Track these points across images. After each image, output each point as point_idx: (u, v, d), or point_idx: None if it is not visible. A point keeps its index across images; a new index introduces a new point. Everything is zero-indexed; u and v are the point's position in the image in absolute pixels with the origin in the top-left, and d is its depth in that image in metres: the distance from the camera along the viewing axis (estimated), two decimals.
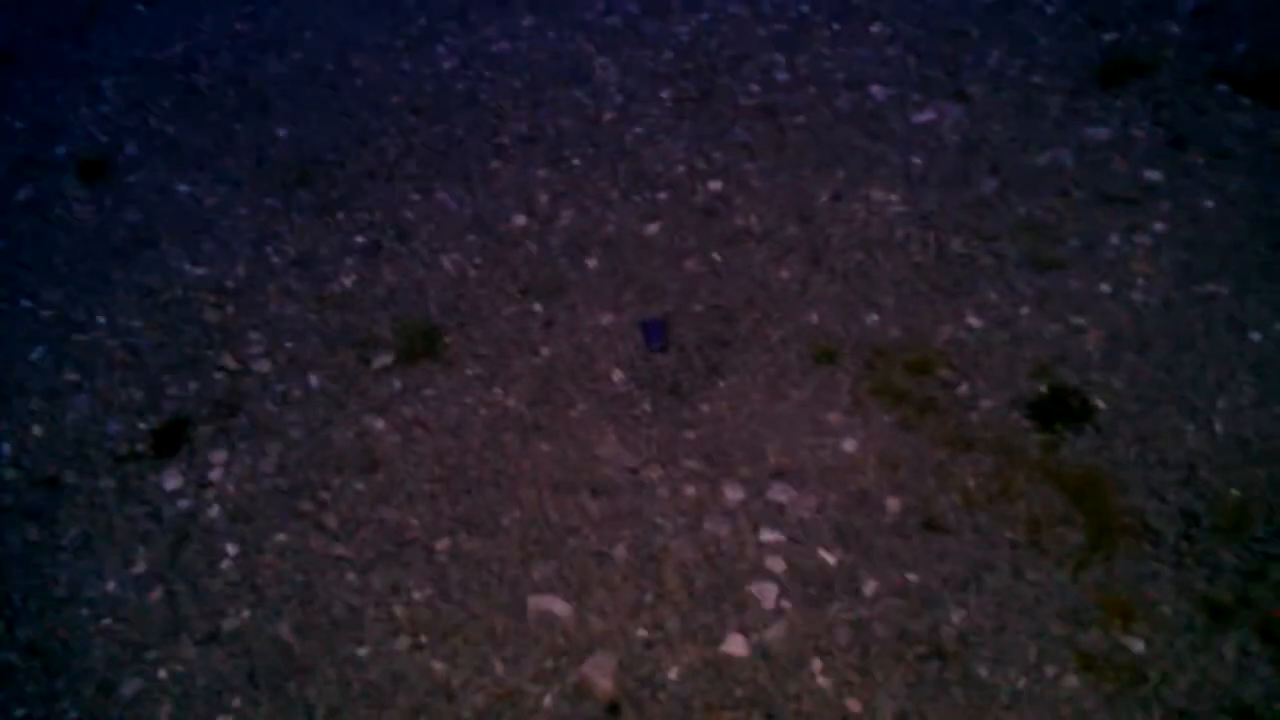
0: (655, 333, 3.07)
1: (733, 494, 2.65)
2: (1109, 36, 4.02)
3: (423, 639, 2.47)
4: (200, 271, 3.61)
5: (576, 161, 3.87)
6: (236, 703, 2.40)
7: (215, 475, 2.89)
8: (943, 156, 3.57)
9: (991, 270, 3.12)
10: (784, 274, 3.23)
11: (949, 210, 3.34)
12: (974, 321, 2.98)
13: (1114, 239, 3.17)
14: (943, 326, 2.98)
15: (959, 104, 3.80)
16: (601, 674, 2.36)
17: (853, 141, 3.71)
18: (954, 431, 2.71)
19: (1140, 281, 3.04)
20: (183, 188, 4.06)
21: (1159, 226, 3.19)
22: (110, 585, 2.70)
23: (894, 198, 3.43)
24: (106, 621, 2.60)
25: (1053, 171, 3.44)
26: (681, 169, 3.74)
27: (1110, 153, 3.48)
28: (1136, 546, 2.46)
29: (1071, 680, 2.26)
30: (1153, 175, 3.36)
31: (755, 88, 4.10)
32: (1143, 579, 2.42)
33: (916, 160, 3.57)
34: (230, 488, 2.85)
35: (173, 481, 2.89)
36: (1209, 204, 3.22)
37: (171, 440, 3.00)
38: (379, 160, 4.05)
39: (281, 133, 4.30)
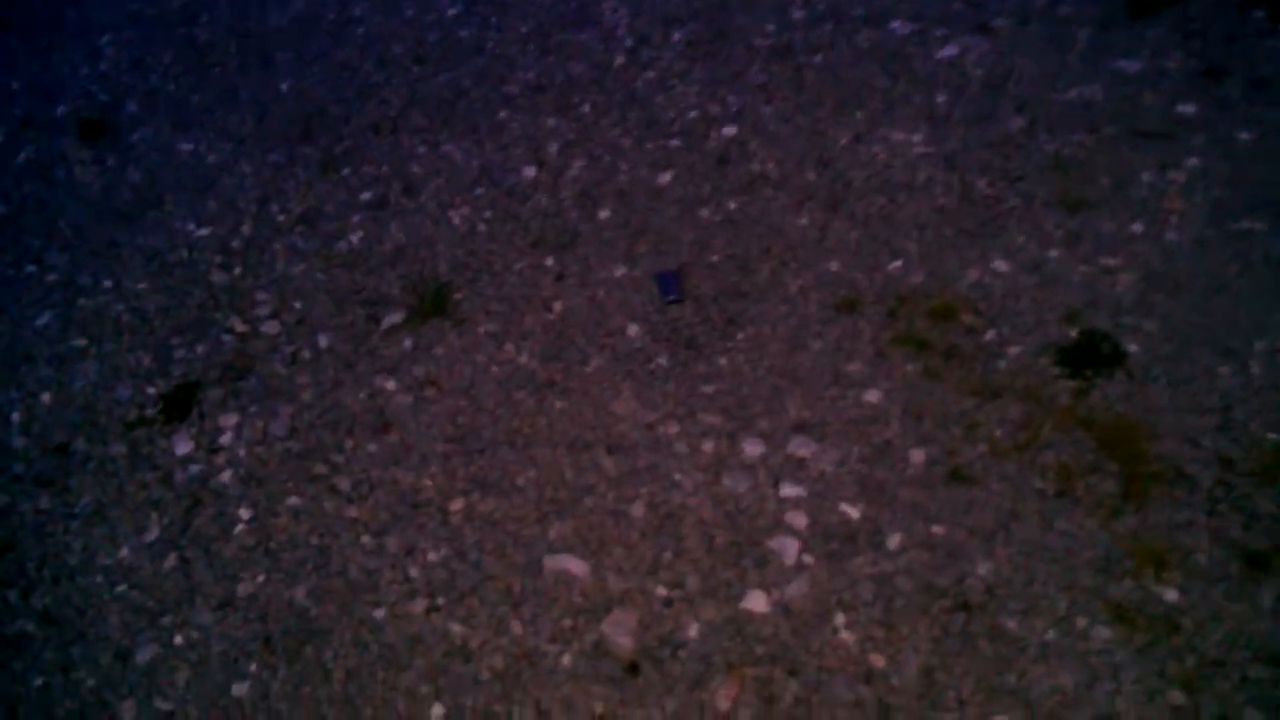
0: (670, 285, 2.99)
1: (752, 449, 2.58)
2: None
3: (439, 601, 2.43)
4: (205, 232, 3.54)
5: (586, 109, 3.76)
6: (253, 668, 2.37)
7: (226, 439, 2.84)
8: (967, 94, 3.44)
9: (1019, 212, 3.01)
10: (802, 221, 3.13)
11: (974, 150, 3.23)
12: (1001, 265, 2.87)
13: (1146, 176, 3.04)
14: (968, 271, 2.88)
15: (984, 38, 3.66)
16: (621, 633, 2.31)
17: (873, 81, 3.58)
18: (980, 380, 2.63)
19: (1173, 220, 2.92)
20: (185, 145, 3.98)
21: (1193, 162, 3.06)
22: (124, 552, 2.67)
23: (916, 139, 3.31)
24: (121, 589, 2.57)
25: (1082, 107, 3.30)
26: (695, 115, 3.62)
27: (1141, 86, 3.34)
28: (1170, 494, 2.38)
29: (1103, 631, 2.20)
30: (1186, 109, 3.22)
31: (770, 27, 3.96)
32: (1177, 527, 2.34)
33: (940, 99, 3.44)
34: (241, 452, 2.81)
35: (184, 446, 2.85)
36: (1245, 137, 3.09)
37: (181, 405, 2.95)
38: (384, 113, 3.95)
39: (284, 87, 4.20)
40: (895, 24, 3.83)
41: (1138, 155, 3.12)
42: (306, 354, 3.04)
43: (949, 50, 3.65)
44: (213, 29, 4.64)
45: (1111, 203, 3.00)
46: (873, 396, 2.64)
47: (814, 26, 3.91)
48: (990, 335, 2.72)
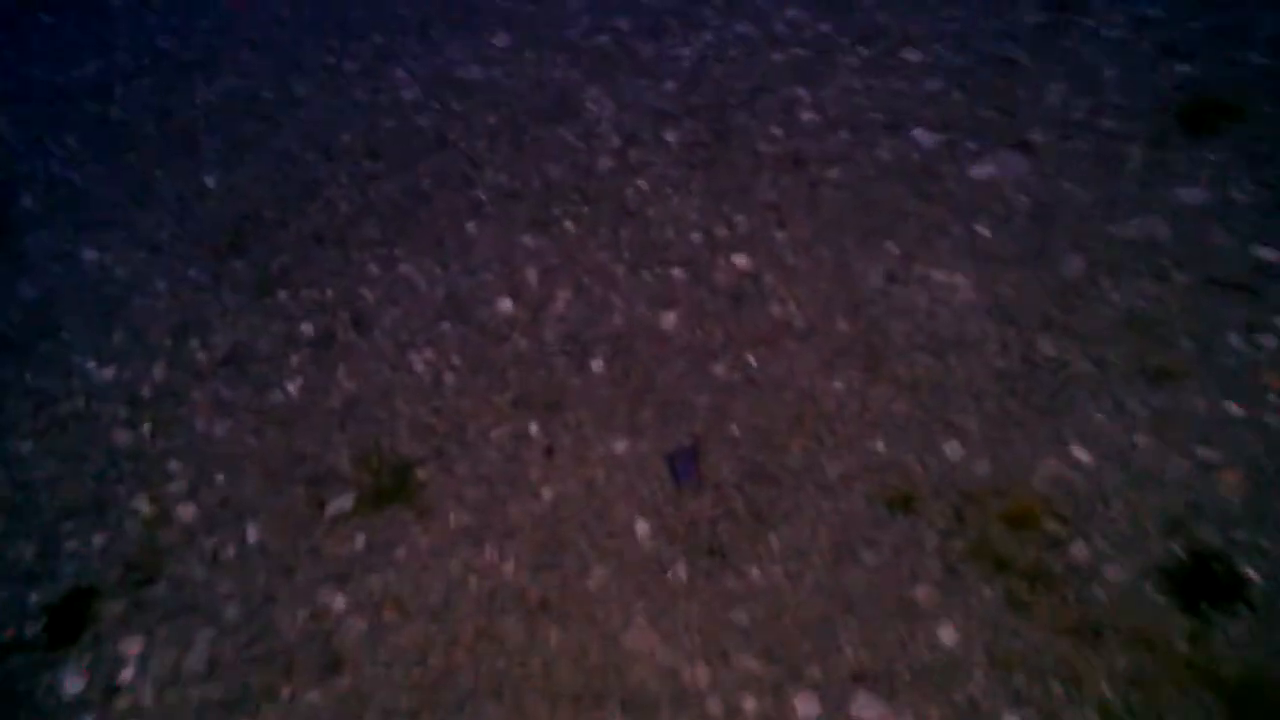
0: (685, 468, 2.46)
1: (806, 709, 2.06)
2: (1182, 69, 3.46)
3: None
4: (108, 373, 2.92)
5: (569, 225, 3.23)
6: None
7: (127, 675, 2.23)
8: (1012, 225, 2.98)
9: (1093, 382, 2.55)
10: (837, 384, 2.63)
11: (1030, 298, 2.76)
12: (1081, 454, 2.40)
13: (1233, 339, 2.61)
14: (1044, 460, 2.40)
15: (1022, 155, 3.22)
16: None
17: (902, 203, 3.11)
18: (1077, 613, 2.14)
19: (1272, 398, 2.48)
20: (90, 253, 3.36)
21: None
22: None
23: (961, 280, 2.85)
24: None
25: (1146, 246, 2.87)
26: (698, 237, 3.11)
27: (1209, 222, 2.92)
28: None
29: None
30: (1264, 253, 2.81)
31: (777, 130, 3.48)
32: None
33: (982, 230, 2.99)
34: (147, 695, 2.20)
35: (74, 683, 2.23)
36: None
37: (72, 621, 2.34)
38: (329, 219, 3.37)
39: (210, 181, 3.61)
40: (918, 132, 3.38)
41: (1219, 310, 2.69)
42: (231, 551, 2.45)
43: (985, 169, 3.20)
44: (128, 106, 4.03)
45: (1199, 373, 2.55)
46: (948, 635, 2.14)
47: (827, 132, 3.44)
48: (1080, 550, 2.24)
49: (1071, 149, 3.22)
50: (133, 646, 2.27)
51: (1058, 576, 2.20)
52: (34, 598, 2.40)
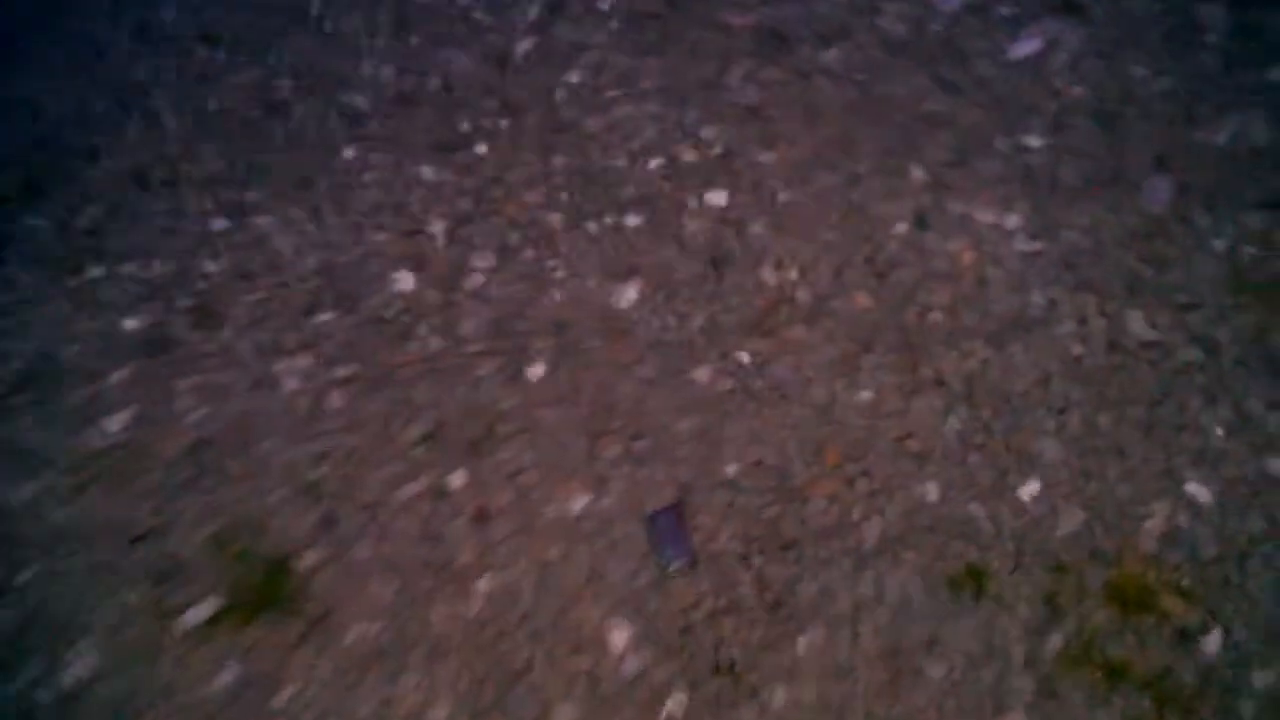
0: (671, 536, 1.80)
1: None
2: None
3: None
4: None
5: (482, 147, 2.40)
6: None
7: None
8: (1072, 131, 2.25)
9: (1204, 377, 1.91)
10: (863, 394, 1.96)
11: (1109, 247, 2.08)
12: (1199, 492, 1.80)
13: None
14: (1151, 503, 1.80)
15: (1072, 22, 2.44)
16: None
17: (924, 101, 2.34)
18: None
19: None
20: None
21: None
22: None
23: (1013, 221, 2.14)
24: None
25: (1244, 157, 2.17)
26: (658, 163, 2.32)
27: None
28: None
29: None
30: None
31: None
32: None
33: (1032, 140, 2.25)
34: None
35: None
36: None
37: None
38: (155, 141, 2.49)
39: None
40: None
41: None
42: (56, 688, 1.76)
43: (1026, 44, 2.43)
44: None
45: None
46: None
47: None
48: (1216, 644, 1.67)
49: (1131, 10, 2.44)
50: None
51: (1190, 690, 1.63)
52: None
